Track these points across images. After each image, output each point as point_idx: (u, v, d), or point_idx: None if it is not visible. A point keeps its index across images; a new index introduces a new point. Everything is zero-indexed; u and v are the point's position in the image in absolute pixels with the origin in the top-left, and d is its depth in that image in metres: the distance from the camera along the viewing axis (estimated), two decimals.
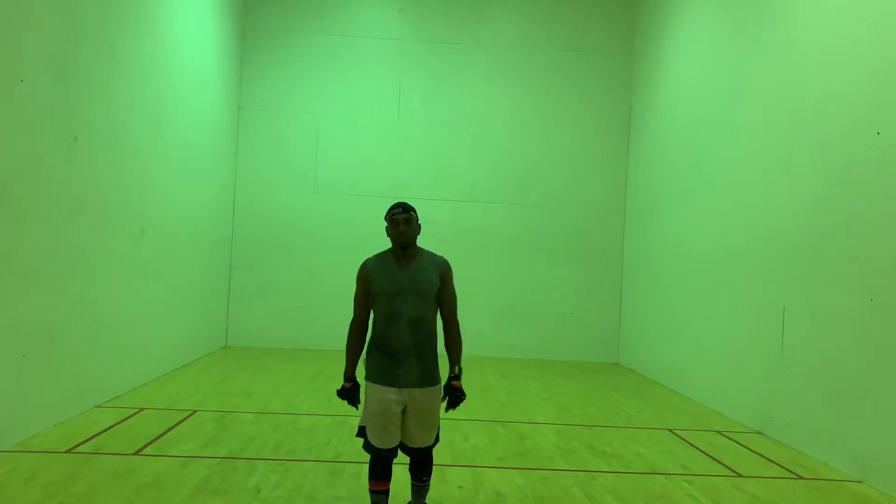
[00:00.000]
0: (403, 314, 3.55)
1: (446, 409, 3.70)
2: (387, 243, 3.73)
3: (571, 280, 11.67)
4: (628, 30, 11.82)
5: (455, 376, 3.68)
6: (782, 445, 6.37)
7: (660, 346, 9.84)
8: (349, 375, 3.75)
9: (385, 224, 3.67)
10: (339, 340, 11.10)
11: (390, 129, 11.53)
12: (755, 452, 6.09)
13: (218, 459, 5.10)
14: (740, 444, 6.34)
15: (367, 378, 3.65)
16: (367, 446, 3.63)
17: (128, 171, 7.12)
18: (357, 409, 3.81)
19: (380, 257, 3.71)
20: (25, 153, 5.28)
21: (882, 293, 5.29)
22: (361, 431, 3.66)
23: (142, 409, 6.52)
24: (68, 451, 5.14)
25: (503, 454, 5.59)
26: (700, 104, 8.92)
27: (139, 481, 4.55)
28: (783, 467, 5.67)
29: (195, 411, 6.58)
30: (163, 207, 8.12)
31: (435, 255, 3.74)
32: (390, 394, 3.54)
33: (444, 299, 3.70)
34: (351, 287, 3.74)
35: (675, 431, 6.76)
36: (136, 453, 5.17)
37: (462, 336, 3.77)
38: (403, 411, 3.59)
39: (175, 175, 8.51)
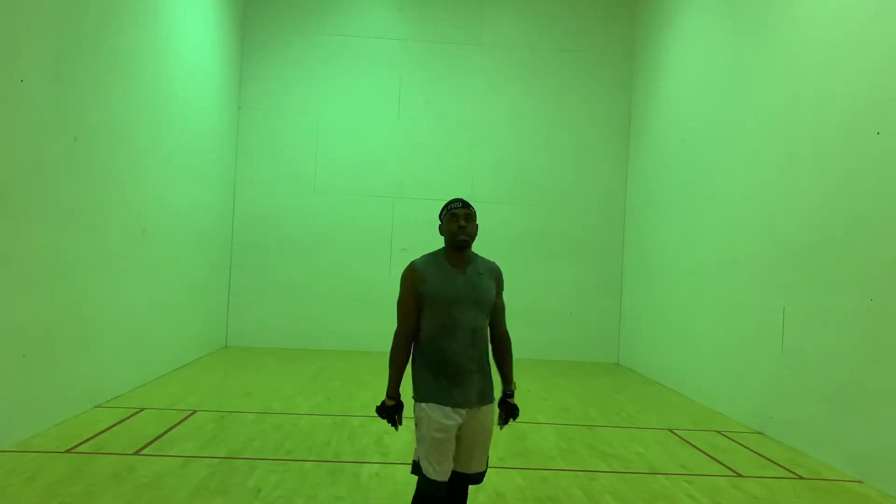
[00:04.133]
0: (462, 325, 3.13)
1: (500, 426, 3.39)
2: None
3: (571, 280, 11.66)
4: (628, 30, 11.81)
5: (511, 393, 3.41)
6: (782, 445, 6.37)
7: (660, 346, 9.84)
8: (393, 393, 3.26)
9: (439, 222, 3.26)
10: (339, 340, 11.30)
11: (390, 129, 11.52)
12: (755, 452, 6.09)
13: (218, 459, 5.10)
14: (740, 444, 6.34)
15: (419, 398, 3.15)
16: (424, 481, 3.08)
17: (128, 171, 7.12)
18: (396, 429, 3.37)
19: (430, 259, 3.23)
20: (25, 153, 5.28)
21: (882, 293, 5.29)
22: (416, 468, 3.12)
23: (142, 409, 6.52)
24: (68, 451, 5.13)
25: (503, 454, 5.59)
26: (700, 104, 8.92)
27: (139, 481, 4.55)
28: (783, 467, 5.67)
29: (195, 411, 6.58)
30: (163, 207, 8.12)
31: (488, 260, 3.36)
32: (450, 416, 3.09)
33: (498, 309, 3.36)
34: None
35: (675, 431, 6.76)
36: (135, 453, 5.17)
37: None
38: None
39: (175, 175, 8.51)
